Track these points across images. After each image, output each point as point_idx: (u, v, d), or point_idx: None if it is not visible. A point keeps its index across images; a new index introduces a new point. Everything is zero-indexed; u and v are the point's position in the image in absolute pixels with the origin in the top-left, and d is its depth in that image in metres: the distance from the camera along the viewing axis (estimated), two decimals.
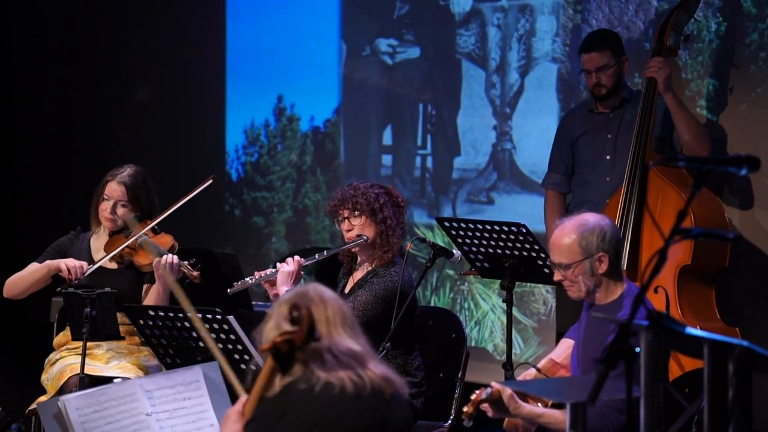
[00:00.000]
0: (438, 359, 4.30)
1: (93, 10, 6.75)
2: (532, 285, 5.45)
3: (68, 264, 4.21)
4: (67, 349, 4.29)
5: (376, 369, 2.58)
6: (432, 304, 5.73)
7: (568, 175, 4.90)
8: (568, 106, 5.36)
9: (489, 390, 3.33)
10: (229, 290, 4.20)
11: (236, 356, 3.72)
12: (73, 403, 3.12)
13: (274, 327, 2.57)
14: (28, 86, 6.81)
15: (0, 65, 6.67)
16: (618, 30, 5.07)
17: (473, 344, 5.67)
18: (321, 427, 2.51)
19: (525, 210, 5.52)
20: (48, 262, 4.30)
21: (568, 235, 3.45)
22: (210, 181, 4.32)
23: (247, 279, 4.20)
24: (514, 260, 4.17)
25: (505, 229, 4.14)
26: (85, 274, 4.21)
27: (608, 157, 4.77)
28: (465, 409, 3.33)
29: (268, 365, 2.53)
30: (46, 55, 6.78)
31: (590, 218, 3.49)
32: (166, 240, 4.34)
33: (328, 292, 2.62)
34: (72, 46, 6.74)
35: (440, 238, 5.53)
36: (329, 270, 4.60)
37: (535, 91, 5.55)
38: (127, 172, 4.38)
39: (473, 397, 3.35)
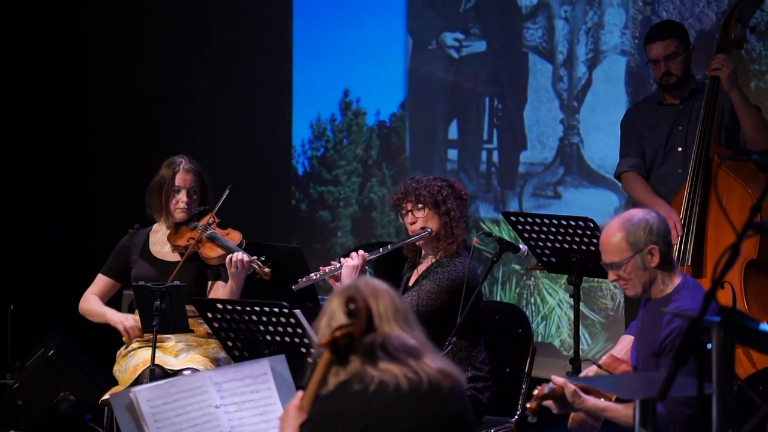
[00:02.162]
0: (504, 354, 4.28)
1: (163, 4, 6.82)
2: (600, 280, 5.40)
3: (125, 325, 4.28)
4: (138, 341, 4.35)
5: (433, 363, 2.54)
6: (498, 299, 5.71)
7: (644, 159, 4.80)
8: (636, 99, 5.29)
9: (551, 385, 3.32)
10: (293, 287, 4.20)
11: (303, 350, 3.74)
12: (144, 394, 3.16)
13: (328, 323, 2.56)
14: (97, 81, 6.90)
15: (71, 65, 6.78)
16: (689, 21, 4.99)
17: (540, 339, 5.63)
18: (378, 428, 2.48)
19: (592, 204, 5.47)
20: (109, 315, 4.35)
21: (614, 234, 3.43)
22: (227, 191, 4.32)
23: (312, 275, 4.21)
24: (581, 255, 4.13)
25: (573, 223, 4.11)
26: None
27: (680, 149, 4.69)
28: (528, 405, 3.31)
29: (324, 359, 2.51)
30: (115, 50, 6.87)
31: (636, 213, 3.47)
32: (235, 236, 4.37)
33: (380, 285, 2.58)
34: (141, 42, 6.82)
35: (506, 233, 5.50)
36: (390, 265, 4.60)
37: (603, 84, 5.49)
38: (184, 160, 4.40)
39: (535, 392, 3.33)
